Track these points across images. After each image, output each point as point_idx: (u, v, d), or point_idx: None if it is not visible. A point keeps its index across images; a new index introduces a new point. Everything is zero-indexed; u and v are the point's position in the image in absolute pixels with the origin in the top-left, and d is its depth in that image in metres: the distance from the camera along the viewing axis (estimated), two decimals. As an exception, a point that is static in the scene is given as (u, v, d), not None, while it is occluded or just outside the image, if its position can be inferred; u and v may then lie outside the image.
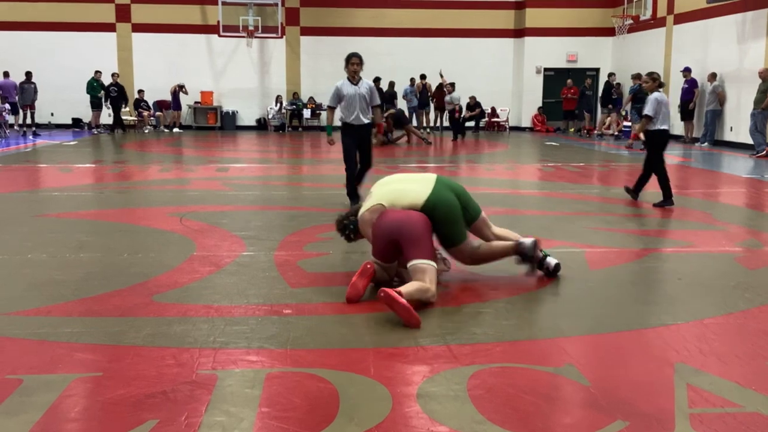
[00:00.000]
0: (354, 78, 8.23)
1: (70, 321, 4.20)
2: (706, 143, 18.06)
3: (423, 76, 22.84)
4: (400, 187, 5.09)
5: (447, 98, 20.58)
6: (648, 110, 8.60)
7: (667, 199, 8.65)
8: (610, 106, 22.05)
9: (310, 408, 3.08)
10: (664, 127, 8.69)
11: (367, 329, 4.13)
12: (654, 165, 8.79)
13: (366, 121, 8.36)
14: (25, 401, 3.11)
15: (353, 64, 8.15)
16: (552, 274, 5.26)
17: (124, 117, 23.07)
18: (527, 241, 5.19)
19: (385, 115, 18.40)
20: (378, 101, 8.51)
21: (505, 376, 3.46)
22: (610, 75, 22.34)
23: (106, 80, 21.93)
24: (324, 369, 3.51)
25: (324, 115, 24.31)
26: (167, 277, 5.23)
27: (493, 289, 4.92)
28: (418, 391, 3.26)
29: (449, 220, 4.94)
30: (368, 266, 4.74)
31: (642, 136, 9.23)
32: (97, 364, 3.57)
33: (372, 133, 8.72)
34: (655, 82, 8.71)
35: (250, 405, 3.11)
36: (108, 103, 21.95)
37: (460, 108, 20.41)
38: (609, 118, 22.23)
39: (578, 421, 3.01)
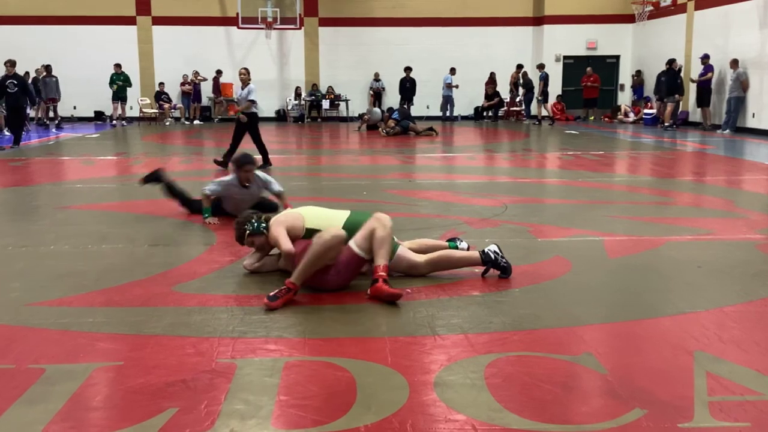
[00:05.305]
0: None
1: (91, 311, 4.26)
2: (728, 130, 17.85)
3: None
4: (322, 214, 5.04)
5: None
6: (254, 97, 11.48)
7: (268, 163, 11.21)
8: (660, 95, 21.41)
9: (328, 396, 3.10)
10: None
11: (384, 318, 4.14)
12: (257, 139, 11.55)
13: None
14: (48, 390, 3.15)
15: None
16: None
17: (145, 109, 23.23)
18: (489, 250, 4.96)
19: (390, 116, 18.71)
20: None
21: (522, 364, 3.46)
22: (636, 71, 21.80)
23: (30, 72, 19.33)
24: (341, 358, 3.52)
25: (342, 106, 24.46)
26: (187, 267, 5.28)
27: (509, 279, 4.91)
28: (436, 379, 3.27)
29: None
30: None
31: (243, 116, 11.53)
32: (118, 353, 3.62)
33: None
34: (248, 75, 11.50)
35: (268, 393, 3.13)
36: (3, 101, 16.21)
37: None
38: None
39: (596, 410, 3.01)
